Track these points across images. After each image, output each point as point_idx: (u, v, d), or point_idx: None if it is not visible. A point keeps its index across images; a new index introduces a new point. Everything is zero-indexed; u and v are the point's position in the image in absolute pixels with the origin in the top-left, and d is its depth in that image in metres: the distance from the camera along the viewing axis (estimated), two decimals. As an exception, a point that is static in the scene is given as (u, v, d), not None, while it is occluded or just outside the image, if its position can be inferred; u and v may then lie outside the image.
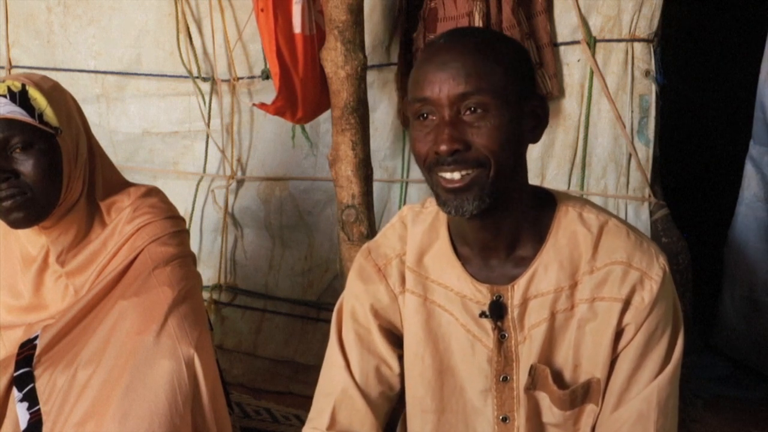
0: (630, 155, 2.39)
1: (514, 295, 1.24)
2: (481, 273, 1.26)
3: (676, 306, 1.26)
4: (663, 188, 2.46)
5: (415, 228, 1.32)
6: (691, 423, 2.20)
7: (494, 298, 1.24)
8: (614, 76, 2.38)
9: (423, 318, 1.29)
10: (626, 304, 1.21)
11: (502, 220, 1.22)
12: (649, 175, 2.40)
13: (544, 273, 1.23)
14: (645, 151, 2.39)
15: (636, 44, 2.35)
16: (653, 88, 2.36)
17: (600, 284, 1.22)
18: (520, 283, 1.23)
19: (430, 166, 1.18)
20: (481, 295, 1.25)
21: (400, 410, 1.44)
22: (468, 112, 1.15)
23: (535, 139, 1.23)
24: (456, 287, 1.27)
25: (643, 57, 2.35)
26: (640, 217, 2.41)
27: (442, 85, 1.15)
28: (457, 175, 1.15)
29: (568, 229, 1.24)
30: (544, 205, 1.27)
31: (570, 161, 2.47)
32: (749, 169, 2.70)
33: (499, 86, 1.14)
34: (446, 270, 1.28)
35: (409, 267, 1.31)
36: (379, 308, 1.33)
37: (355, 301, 1.34)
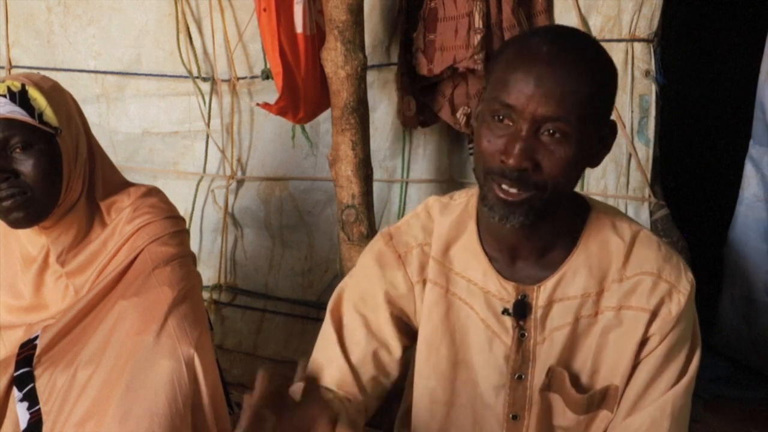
0: (630, 155, 2.39)
1: (539, 296, 1.24)
2: (507, 271, 1.26)
3: (696, 321, 1.27)
4: (663, 188, 2.46)
5: (443, 219, 1.30)
6: (691, 423, 2.20)
7: (519, 297, 1.24)
8: (614, 76, 2.38)
9: (443, 309, 1.29)
10: (653, 315, 1.22)
11: (539, 228, 1.21)
12: (649, 175, 2.40)
13: (573, 277, 1.23)
14: (645, 151, 2.39)
15: (636, 44, 2.35)
16: (653, 88, 2.36)
17: (628, 293, 1.22)
18: (548, 285, 1.23)
19: (490, 170, 1.15)
20: (506, 292, 1.25)
21: (397, 407, 1.44)
22: (547, 133, 1.12)
23: (596, 164, 1.21)
24: (481, 282, 1.27)
25: (643, 57, 2.35)
26: (640, 217, 2.41)
27: (532, 100, 1.10)
28: (515, 191, 1.13)
29: (600, 236, 1.24)
30: (579, 211, 1.27)
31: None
32: (749, 169, 2.70)
33: (586, 115, 1.11)
34: (472, 264, 1.27)
35: (433, 257, 1.30)
36: (394, 295, 1.32)
37: (368, 284, 1.33)
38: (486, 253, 1.27)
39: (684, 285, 1.23)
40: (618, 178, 2.43)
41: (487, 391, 1.29)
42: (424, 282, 1.30)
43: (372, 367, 1.31)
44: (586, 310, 1.23)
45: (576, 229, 1.25)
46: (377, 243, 1.35)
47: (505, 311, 1.25)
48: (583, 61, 1.12)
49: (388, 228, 1.37)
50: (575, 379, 1.25)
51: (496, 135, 1.14)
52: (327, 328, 1.34)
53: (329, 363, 1.31)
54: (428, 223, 1.32)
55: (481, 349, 1.28)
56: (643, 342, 1.23)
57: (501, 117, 1.13)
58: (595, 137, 1.16)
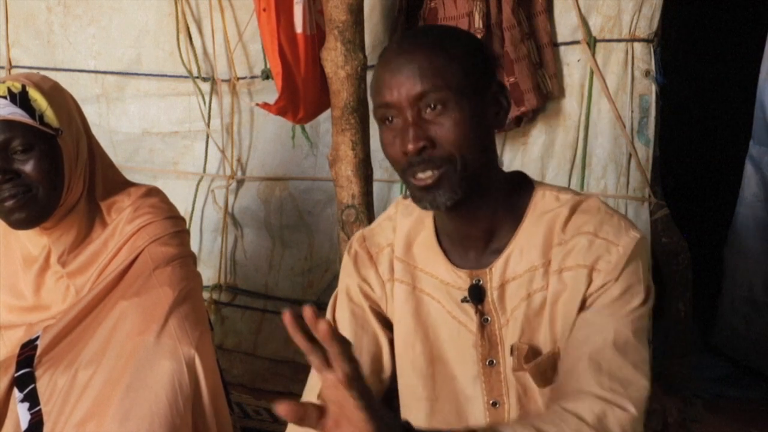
0: (630, 155, 2.39)
1: (492, 278, 1.26)
2: (461, 261, 1.29)
3: (646, 276, 1.22)
4: (663, 188, 2.46)
5: (404, 219, 1.35)
6: (691, 423, 2.20)
7: (473, 282, 1.27)
8: (614, 76, 2.38)
9: (412, 306, 1.32)
10: (591, 270, 1.20)
11: (478, 208, 1.24)
12: (649, 175, 2.40)
13: (520, 255, 1.25)
14: (645, 151, 2.39)
15: (636, 44, 2.35)
16: (653, 88, 2.36)
17: (566, 255, 1.22)
18: (497, 266, 1.25)
19: (404, 170, 1.21)
20: (461, 280, 1.28)
21: (397, 404, 1.44)
22: (428, 110, 1.18)
23: (500, 125, 1.26)
24: (441, 275, 1.30)
25: (643, 57, 2.35)
26: (640, 217, 2.41)
27: (400, 88, 1.18)
28: (428, 173, 1.18)
29: (544, 210, 1.26)
30: (521, 190, 1.29)
31: (570, 161, 2.47)
32: (749, 169, 2.70)
33: (455, 80, 1.17)
34: (431, 259, 1.31)
35: (397, 257, 1.34)
36: (368, 292, 1.37)
37: (350, 281, 1.38)
38: (441, 247, 1.30)
39: (624, 241, 1.19)
40: (618, 178, 2.43)
41: (465, 383, 1.30)
42: (393, 281, 1.35)
43: (370, 361, 1.34)
44: (536, 284, 1.24)
45: (519, 208, 1.27)
46: (354, 243, 1.40)
47: (464, 299, 1.27)
48: (432, 40, 1.22)
49: (362, 230, 1.43)
50: (537, 354, 1.24)
51: (392, 137, 1.20)
52: None
53: None
54: (396, 223, 1.38)
55: (453, 341, 1.30)
56: (586, 297, 1.20)
57: (389, 119, 1.21)
58: (481, 98, 1.20)
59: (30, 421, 1.50)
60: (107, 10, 2.82)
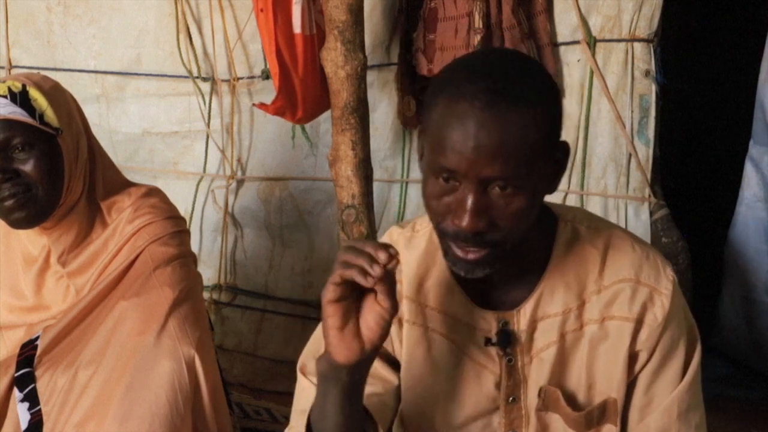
0: (630, 155, 2.40)
1: (520, 320, 1.19)
2: (483, 298, 1.21)
3: (687, 315, 1.23)
4: (663, 188, 2.46)
5: (410, 254, 1.24)
6: (691, 423, 2.20)
7: (500, 325, 1.20)
8: (614, 76, 2.38)
9: (424, 348, 1.24)
10: (638, 323, 1.18)
11: (507, 257, 1.14)
12: (649, 175, 2.40)
13: (551, 295, 1.19)
14: (645, 151, 2.39)
15: (636, 44, 2.35)
16: (653, 88, 2.36)
17: (609, 304, 1.18)
18: (526, 308, 1.19)
19: (444, 231, 1.10)
20: (485, 322, 1.20)
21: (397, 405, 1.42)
22: (497, 189, 1.04)
23: (554, 190, 1.13)
24: (459, 314, 1.22)
25: (643, 57, 2.35)
26: (640, 217, 2.41)
27: (475, 164, 1.01)
28: (476, 251, 1.08)
29: (573, 248, 1.20)
30: (545, 224, 1.21)
31: (570, 161, 2.45)
32: (749, 169, 2.69)
33: (532, 159, 1.02)
34: (447, 297, 1.22)
35: (407, 296, 1.24)
36: None
37: None
38: (459, 284, 1.21)
39: (665, 285, 1.18)
40: (618, 178, 2.43)
41: (480, 416, 1.25)
42: (401, 322, 1.24)
43: (373, 407, 1.23)
44: (570, 325, 1.19)
45: (547, 245, 1.20)
46: None
47: (488, 342, 1.20)
48: (523, 103, 1.02)
49: None
50: (572, 397, 1.21)
51: (443, 195, 1.07)
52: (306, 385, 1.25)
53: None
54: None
55: (469, 381, 1.24)
56: (634, 352, 1.19)
57: (445, 178, 1.06)
58: (548, 169, 1.09)
59: (30, 421, 1.49)
60: (107, 10, 2.82)
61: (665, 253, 2.39)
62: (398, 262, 1.03)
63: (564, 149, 1.13)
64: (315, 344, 1.29)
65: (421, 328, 1.24)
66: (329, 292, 1.04)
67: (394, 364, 1.28)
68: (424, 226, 1.25)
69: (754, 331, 2.74)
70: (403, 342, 1.25)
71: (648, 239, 2.39)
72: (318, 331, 1.28)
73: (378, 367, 1.25)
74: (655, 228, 2.40)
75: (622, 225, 2.36)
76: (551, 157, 1.09)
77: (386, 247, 1.02)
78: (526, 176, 1.03)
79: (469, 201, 1.04)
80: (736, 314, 2.79)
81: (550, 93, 1.09)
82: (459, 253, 1.09)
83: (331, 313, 1.05)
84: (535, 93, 1.04)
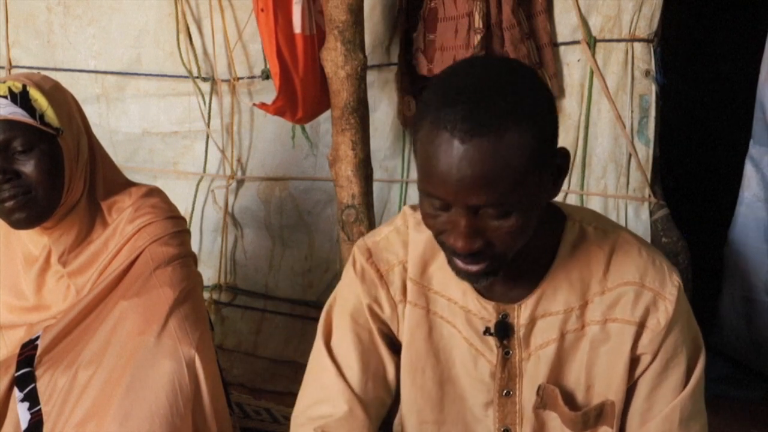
0: (630, 155, 2.39)
1: (520, 314, 1.20)
2: (486, 290, 1.22)
3: (692, 323, 1.24)
4: (663, 188, 2.46)
5: (418, 236, 1.25)
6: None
7: (500, 317, 1.21)
8: (614, 76, 2.38)
9: (425, 330, 1.26)
10: (641, 326, 1.18)
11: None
12: (649, 175, 2.40)
13: (554, 293, 1.19)
14: (645, 151, 2.39)
15: (636, 44, 2.35)
16: (653, 88, 2.36)
17: (612, 306, 1.18)
18: (528, 303, 1.20)
19: (442, 243, 1.11)
20: (486, 312, 1.22)
21: (395, 413, 1.43)
22: (489, 211, 1.03)
23: (556, 194, 1.13)
24: (461, 301, 1.23)
25: (643, 57, 2.35)
26: (640, 217, 2.41)
27: (457, 193, 1.01)
28: (475, 265, 1.09)
29: (578, 247, 1.20)
30: (553, 222, 1.21)
31: (570, 161, 2.47)
32: (749, 170, 2.69)
33: (520, 181, 1.00)
34: (451, 283, 1.23)
35: (411, 278, 1.26)
36: (378, 312, 1.28)
37: (356, 300, 1.28)
38: None
39: (670, 290, 1.18)
40: (618, 178, 2.43)
41: (475, 407, 1.26)
42: (406, 303, 1.26)
43: (374, 389, 1.27)
44: (571, 325, 1.20)
45: (553, 243, 1.20)
46: (359, 258, 1.29)
47: (486, 331, 1.21)
48: (505, 129, 0.98)
49: (364, 240, 1.31)
50: (570, 396, 1.22)
51: (437, 215, 1.08)
52: (321, 358, 1.29)
53: (333, 397, 1.26)
54: (408, 238, 1.27)
55: (467, 367, 1.25)
56: (635, 356, 1.19)
57: (436, 203, 1.06)
58: (545, 179, 1.07)
59: (30, 420, 1.50)
60: (107, 10, 2.82)
61: (665, 252, 2.39)
62: None
63: (562, 155, 1.12)
64: (316, 390, 1.31)
65: (423, 310, 1.26)
66: None
67: (394, 349, 1.29)
68: None
69: (754, 331, 2.74)
70: (405, 323, 1.26)
71: (648, 239, 2.40)
72: (311, 375, 1.32)
73: (379, 345, 1.28)
74: (655, 228, 2.40)
75: (622, 225, 2.36)
76: (547, 168, 1.07)
77: None
78: (516, 198, 1.02)
79: (462, 225, 1.04)
80: (736, 314, 2.79)
81: (540, 106, 1.04)
82: (461, 264, 1.10)
83: None
84: (521, 113, 1.00)
